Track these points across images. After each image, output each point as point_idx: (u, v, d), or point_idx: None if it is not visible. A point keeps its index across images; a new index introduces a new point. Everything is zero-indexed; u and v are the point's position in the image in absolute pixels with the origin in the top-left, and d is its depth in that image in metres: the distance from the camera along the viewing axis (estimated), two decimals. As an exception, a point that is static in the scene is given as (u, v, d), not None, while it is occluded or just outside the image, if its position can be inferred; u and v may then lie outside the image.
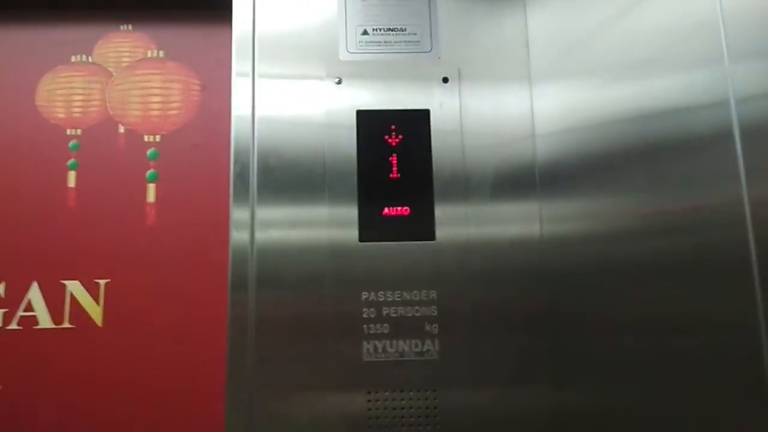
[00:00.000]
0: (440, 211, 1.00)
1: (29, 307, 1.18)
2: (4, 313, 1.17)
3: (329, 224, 0.99)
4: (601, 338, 0.88)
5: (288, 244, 0.98)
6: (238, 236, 0.98)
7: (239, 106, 1.02)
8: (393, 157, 1.01)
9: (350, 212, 0.99)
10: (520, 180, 1.03)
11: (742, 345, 0.61)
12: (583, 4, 0.94)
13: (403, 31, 1.07)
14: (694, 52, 0.70)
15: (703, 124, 0.67)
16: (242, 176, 0.99)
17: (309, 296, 0.97)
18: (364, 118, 1.03)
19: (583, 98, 0.93)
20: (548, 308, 0.98)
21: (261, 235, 0.98)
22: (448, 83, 1.05)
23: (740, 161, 0.61)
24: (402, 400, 0.95)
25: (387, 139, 1.02)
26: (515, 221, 1.02)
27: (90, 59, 1.28)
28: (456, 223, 1.00)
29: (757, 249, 0.59)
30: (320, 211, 0.99)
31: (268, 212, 0.99)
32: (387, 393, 0.95)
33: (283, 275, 0.97)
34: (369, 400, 0.95)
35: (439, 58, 1.06)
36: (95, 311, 1.18)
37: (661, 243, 0.75)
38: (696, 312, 0.68)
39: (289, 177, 1.00)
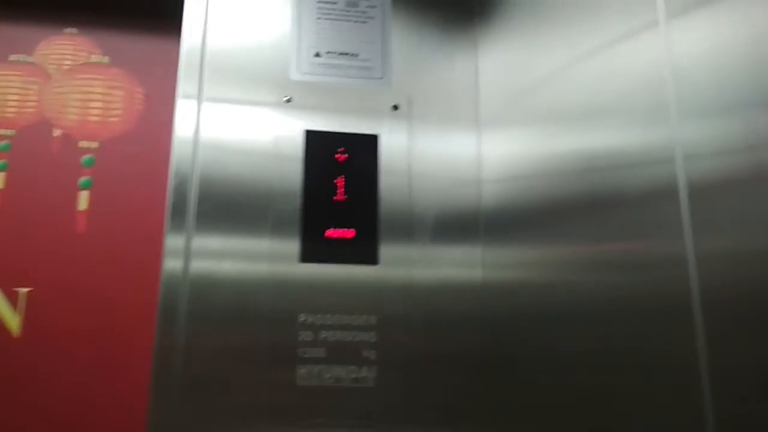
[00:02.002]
0: (385, 239, 0.99)
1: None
2: None
3: (271, 245, 0.96)
4: (539, 381, 0.87)
5: (225, 274, 0.94)
6: (171, 265, 0.92)
7: (182, 129, 0.97)
8: (340, 179, 1.00)
9: (292, 233, 0.97)
10: (464, 223, 1.04)
11: (681, 384, 0.61)
12: (534, 52, 0.95)
13: (355, 56, 1.07)
14: (642, 106, 0.70)
15: (649, 179, 0.68)
16: (180, 203, 0.94)
17: (244, 322, 0.93)
18: (313, 138, 1.02)
19: (530, 146, 0.93)
20: (489, 350, 0.97)
21: (196, 265, 0.93)
22: (398, 111, 1.05)
23: (684, 218, 0.62)
24: (335, 427, 0.92)
25: (334, 161, 1.01)
26: (457, 264, 1.02)
27: (29, 59, 1.23)
28: (400, 251, 1.00)
29: (702, 303, 0.59)
30: (261, 236, 0.96)
31: (205, 241, 0.94)
32: (320, 420, 0.92)
33: (218, 305, 0.92)
34: (301, 427, 0.92)
35: (390, 86, 1.06)
36: (13, 320, 1.11)
37: (602, 292, 0.75)
38: (637, 353, 0.69)
39: (230, 202, 0.96)
